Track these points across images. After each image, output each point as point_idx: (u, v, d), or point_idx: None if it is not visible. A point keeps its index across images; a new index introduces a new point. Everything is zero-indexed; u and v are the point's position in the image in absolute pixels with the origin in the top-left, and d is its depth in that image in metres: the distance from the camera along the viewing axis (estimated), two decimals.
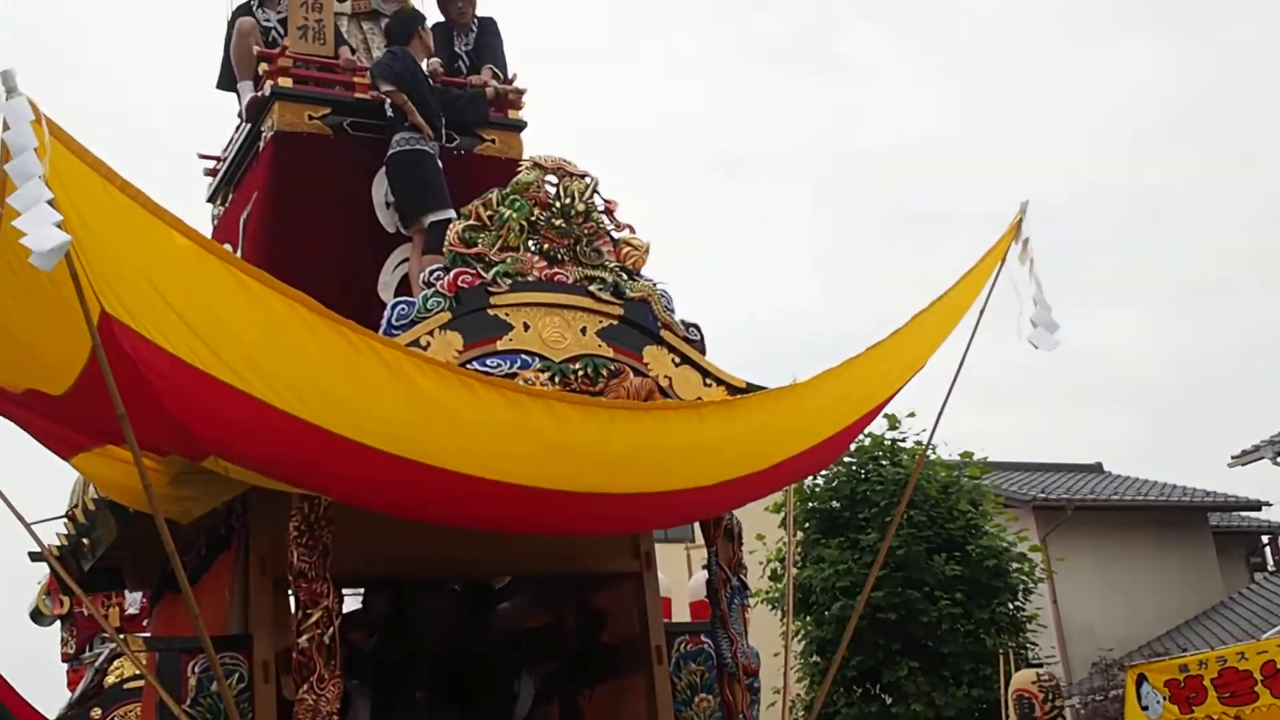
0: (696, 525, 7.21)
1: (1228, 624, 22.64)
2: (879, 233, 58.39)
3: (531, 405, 5.24)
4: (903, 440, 18.10)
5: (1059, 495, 23.98)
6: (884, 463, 17.77)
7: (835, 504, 17.86)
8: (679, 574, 17.12)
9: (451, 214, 6.50)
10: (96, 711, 5.86)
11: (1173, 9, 54.46)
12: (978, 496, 18.05)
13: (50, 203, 4.02)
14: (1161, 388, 53.10)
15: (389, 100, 7.02)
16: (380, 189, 7.12)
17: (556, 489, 5.37)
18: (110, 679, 5.81)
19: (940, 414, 6.64)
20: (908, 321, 6.21)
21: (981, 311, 6.39)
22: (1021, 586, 17.69)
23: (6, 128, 4.15)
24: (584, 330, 6.15)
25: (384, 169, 7.08)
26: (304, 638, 5.51)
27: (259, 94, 7.27)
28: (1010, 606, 17.48)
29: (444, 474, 5.12)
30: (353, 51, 7.64)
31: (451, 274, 5.93)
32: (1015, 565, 17.63)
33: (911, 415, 17.79)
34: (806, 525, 18.01)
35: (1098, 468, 28.30)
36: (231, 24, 7.82)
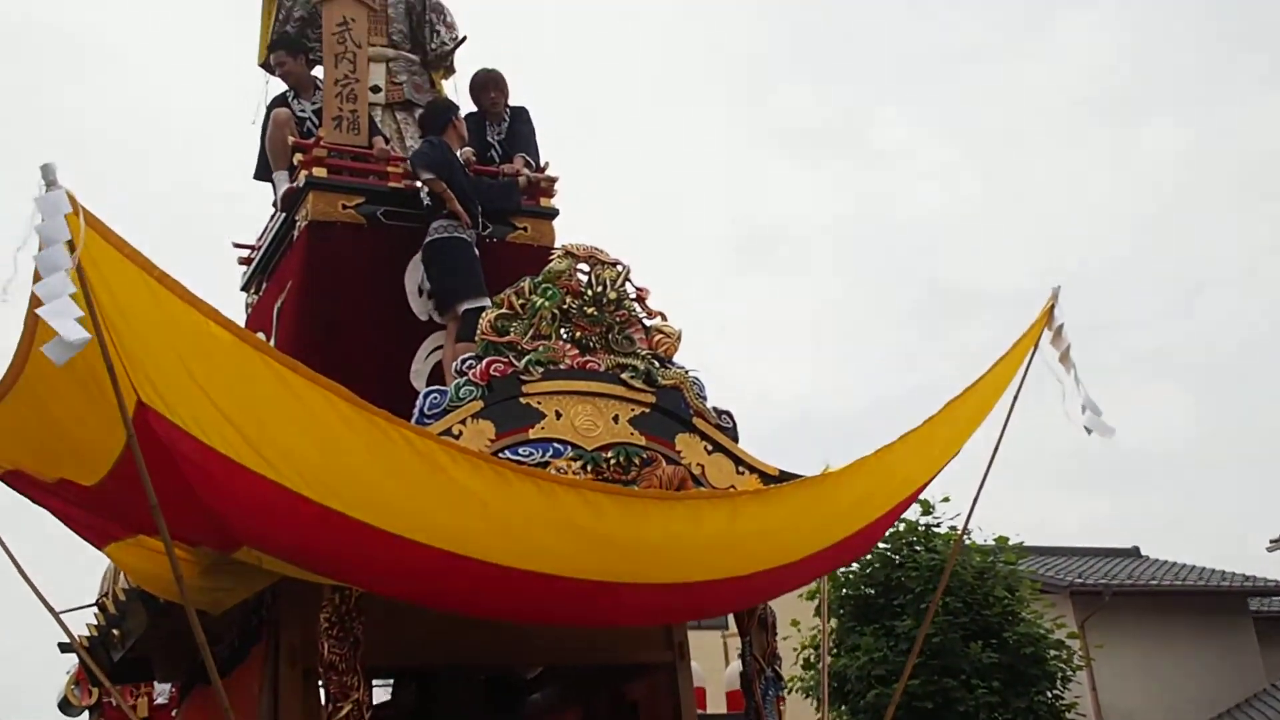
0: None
1: (1270, 712, 22.17)
2: (909, 311, 58.41)
3: (565, 495, 5.21)
4: (937, 525, 17.89)
5: (1096, 580, 23.59)
6: (918, 548, 17.56)
7: (869, 591, 17.66)
8: (715, 661, 16.94)
9: (486, 302, 6.52)
10: None
11: (1201, 90, 54.65)
12: (1014, 582, 17.78)
13: (73, 296, 4.06)
14: (1198, 469, 52.57)
15: (426, 188, 7.07)
16: (413, 277, 7.16)
17: (589, 579, 5.32)
18: None
19: (975, 500, 6.59)
20: (941, 409, 6.19)
21: (1015, 397, 6.36)
22: (1060, 674, 17.35)
23: (42, 220, 4.20)
24: (616, 418, 6.14)
25: (418, 256, 7.12)
26: None
27: (294, 184, 7.34)
28: (1049, 695, 17.13)
29: (476, 564, 5.09)
30: (386, 141, 7.73)
31: (484, 362, 5.95)
32: (1053, 652, 17.31)
33: (945, 500, 17.62)
34: (841, 612, 17.78)
35: (1135, 551, 27.90)
36: (268, 115, 7.92)
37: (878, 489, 6.11)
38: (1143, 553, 27.97)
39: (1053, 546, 26.09)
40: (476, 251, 7.06)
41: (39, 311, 4.07)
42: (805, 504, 5.90)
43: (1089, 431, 6.24)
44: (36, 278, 4.21)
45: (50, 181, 4.23)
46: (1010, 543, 18.65)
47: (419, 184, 7.13)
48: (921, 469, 6.33)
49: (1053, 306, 6.44)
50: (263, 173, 8.11)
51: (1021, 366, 6.35)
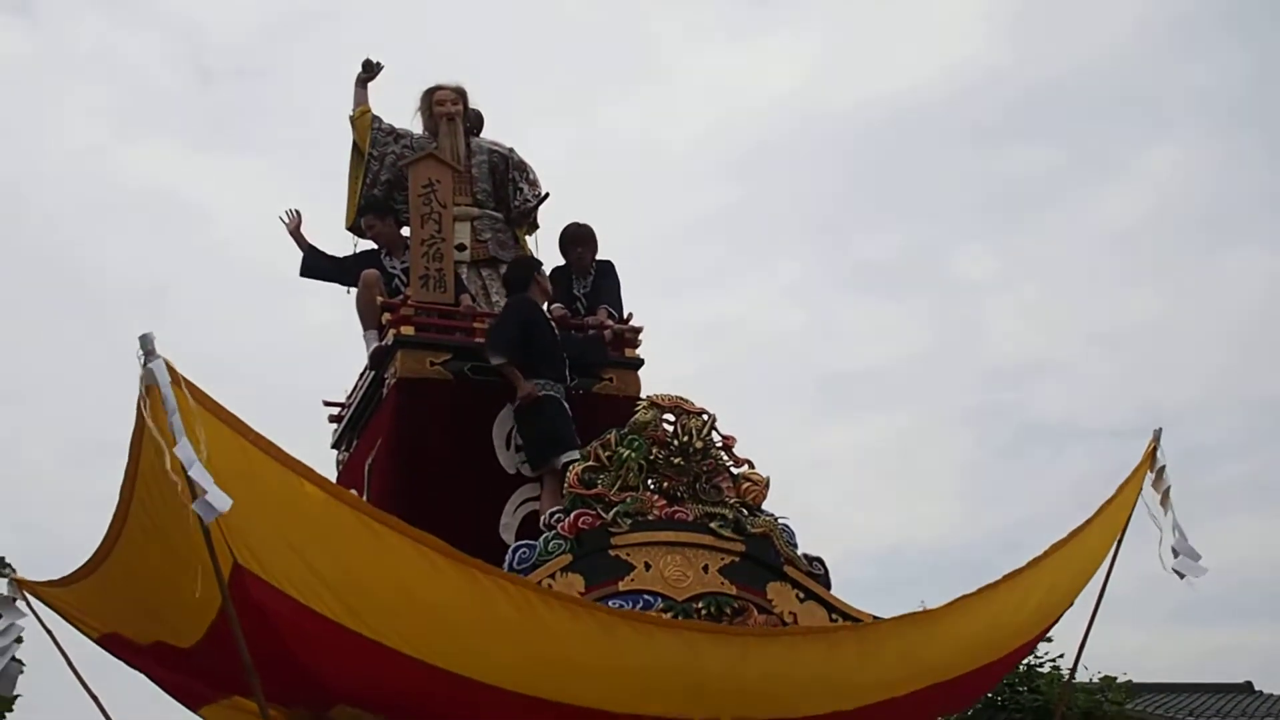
0: None
1: None
2: (999, 448, 57.62)
3: (661, 635, 5.23)
4: (1039, 665, 17.47)
5: (1209, 718, 22.83)
6: (1021, 689, 17.13)
7: None
8: None
9: (578, 455, 6.55)
10: None
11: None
12: None
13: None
14: None
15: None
16: (501, 431, 7.21)
17: (690, 718, 5.31)
18: None
19: (1083, 645, 6.53)
20: (1046, 552, 6.13)
21: (1119, 543, 6.34)
22: None
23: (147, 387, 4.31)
24: (706, 568, 6.12)
25: (505, 410, 7.18)
26: None
27: (383, 343, 7.46)
28: None
29: (574, 710, 5.10)
30: (472, 298, 7.84)
31: (571, 516, 5.98)
32: None
33: (1048, 640, 17.21)
34: None
35: (1247, 687, 26.91)
36: (358, 272, 8.02)
37: (985, 635, 6.03)
38: (1256, 687, 27.03)
39: (1160, 683, 25.25)
40: (566, 406, 7.11)
41: (193, 473, 4.15)
42: (908, 643, 5.84)
43: (1180, 576, 6.28)
44: (135, 444, 4.31)
45: (149, 351, 4.35)
46: (1117, 680, 18.13)
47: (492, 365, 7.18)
48: (1031, 623, 6.31)
49: (1155, 449, 6.45)
50: (309, 271, 8.26)
51: (1127, 515, 6.38)
